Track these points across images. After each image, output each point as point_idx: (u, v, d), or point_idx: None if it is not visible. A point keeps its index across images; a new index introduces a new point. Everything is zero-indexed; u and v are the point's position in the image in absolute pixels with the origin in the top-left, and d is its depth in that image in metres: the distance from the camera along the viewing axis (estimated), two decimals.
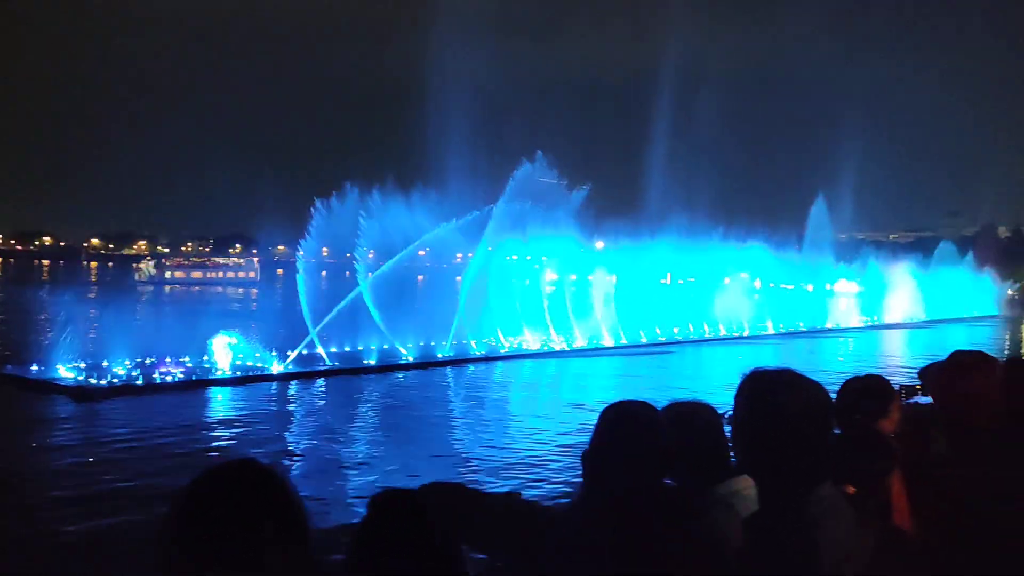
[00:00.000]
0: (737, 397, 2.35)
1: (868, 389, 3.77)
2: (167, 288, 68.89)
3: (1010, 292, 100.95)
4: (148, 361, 26.09)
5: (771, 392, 2.27)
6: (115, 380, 24.40)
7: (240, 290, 76.39)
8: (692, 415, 2.95)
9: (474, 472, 15.77)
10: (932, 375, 3.81)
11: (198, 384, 25.23)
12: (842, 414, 3.59)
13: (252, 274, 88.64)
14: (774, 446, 2.22)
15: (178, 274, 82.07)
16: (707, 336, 47.17)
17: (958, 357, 3.65)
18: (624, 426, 2.60)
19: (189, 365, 26.41)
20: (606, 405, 2.71)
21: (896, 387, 3.91)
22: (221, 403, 23.51)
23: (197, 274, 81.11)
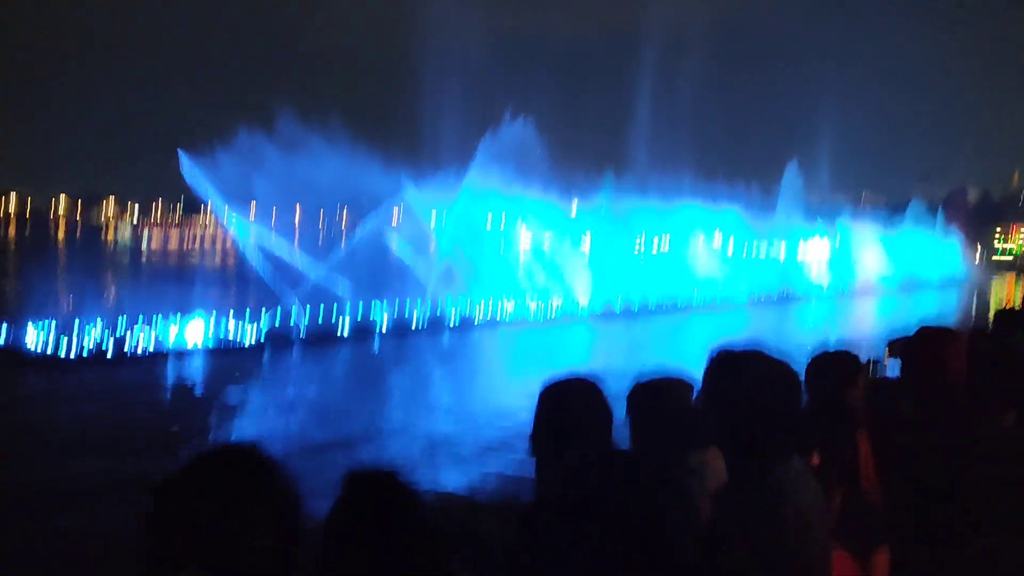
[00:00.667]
0: (706, 374, 2.39)
1: (835, 363, 3.86)
2: (143, 257, 68.48)
3: (978, 255, 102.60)
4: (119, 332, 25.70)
5: (739, 370, 2.32)
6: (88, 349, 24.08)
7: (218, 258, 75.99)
8: (663, 390, 2.99)
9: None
10: (900, 347, 3.94)
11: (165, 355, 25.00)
12: (810, 386, 3.69)
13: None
14: (742, 422, 2.27)
15: (154, 244, 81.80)
16: (677, 304, 47.42)
17: (924, 331, 3.79)
18: (562, 403, 2.65)
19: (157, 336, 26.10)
20: (545, 384, 2.74)
21: (863, 359, 4.04)
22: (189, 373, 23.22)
23: (173, 241, 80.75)
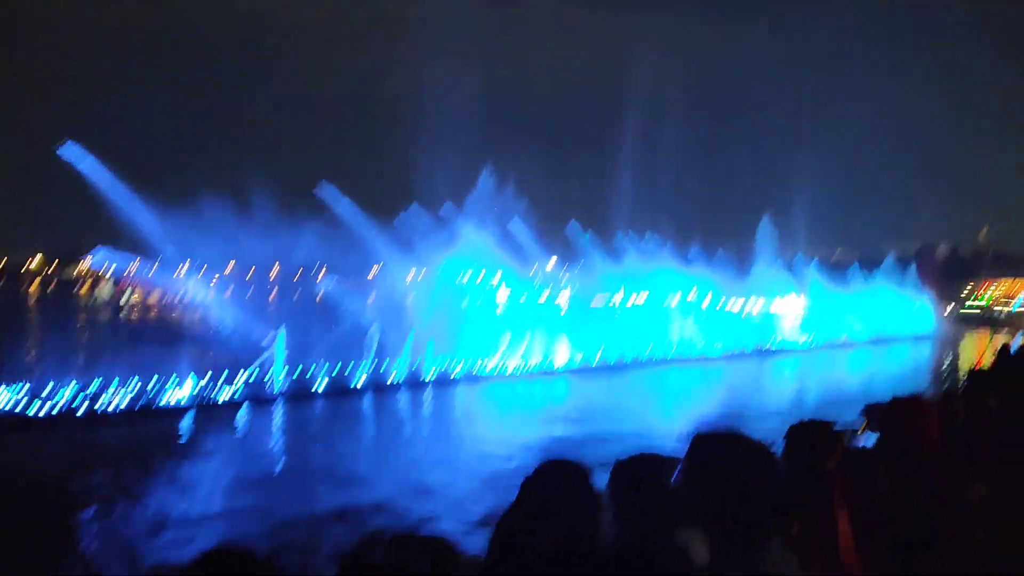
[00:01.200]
0: (686, 458, 2.44)
1: (813, 432, 3.90)
2: (123, 312, 68.21)
3: (949, 310, 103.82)
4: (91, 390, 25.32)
5: (721, 451, 2.37)
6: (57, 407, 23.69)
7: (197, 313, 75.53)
8: (644, 468, 3.02)
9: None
10: (875, 416, 4.01)
11: (138, 414, 24.63)
12: (789, 454, 3.75)
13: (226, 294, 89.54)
14: (726, 501, 2.31)
15: (135, 297, 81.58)
16: (655, 357, 47.61)
17: (898, 402, 3.84)
18: (549, 490, 2.62)
19: (135, 393, 25.76)
20: (534, 469, 2.68)
21: (840, 425, 4.07)
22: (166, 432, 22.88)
23: (153, 298, 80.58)
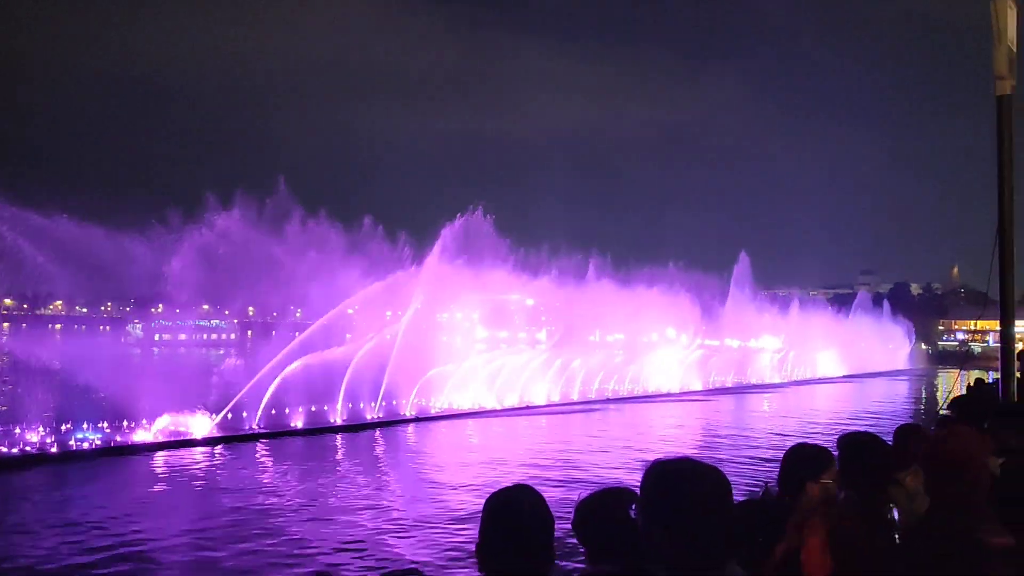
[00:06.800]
0: (642, 488, 2.47)
1: (808, 456, 4.01)
2: (155, 350, 68.68)
3: (923, 347, 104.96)
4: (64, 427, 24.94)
5: (673, 481, 2.41)
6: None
7: (220, 351, 77.11)
8: (608, 501, 3.09)
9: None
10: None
11: (119, 450, 24.29)
12: (783, 476, 3.93)
13: (233, 335, 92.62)
14: (679, 532, 2.35)
15: (165, 336, 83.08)
16: (635, 393, 47.79)
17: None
18: (506, 515, 2.76)
19: (108, 430, 25.43)
20: (491, 493, 2.84)
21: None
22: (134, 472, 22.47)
23: (183, 336, 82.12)
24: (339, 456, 26.01)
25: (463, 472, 22.59)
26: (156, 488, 20.49)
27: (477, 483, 20.24)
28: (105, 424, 25.66)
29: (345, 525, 16.21)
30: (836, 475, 3.91)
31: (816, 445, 4.12)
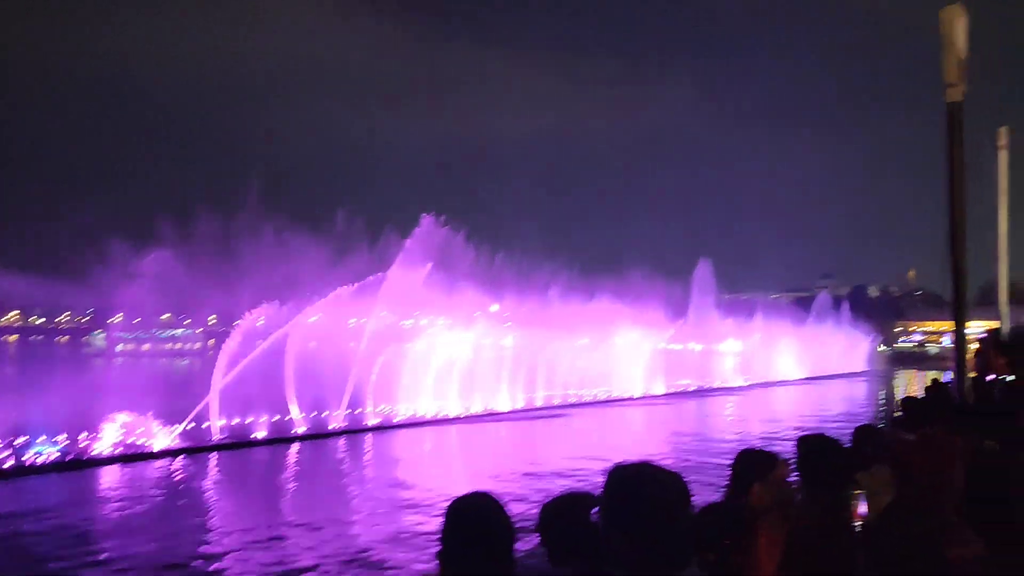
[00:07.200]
0: (603, 492, 2.49)
1: (754, 460, 4.07)
2: (117, 360, 67.45)
3: (882, 348, 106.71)
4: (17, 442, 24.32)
5: (633, 486, 2.42)
6: None
7: (185, 360, 75.80)
8: (569, 506, 3.12)
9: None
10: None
11: (74, 465, 23.77)
12: (733, 478, 3.95)
13: (197, 345, 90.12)
14: (639, 535, 2.36)
15: (128, 346, 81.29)
16: (599, 398, 47.99)
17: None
18: (468, 521, 2.80)
19: (66, 443, 24.89)
20: (453, 500, 2.87)
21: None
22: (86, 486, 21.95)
23: (146, 346, 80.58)
24: (287, 472, 25.65)
25: (425, 486, 22.38)
26: (100, 506, 19.93)
27: (429, 500, 19.93)
28: (63, 436, 25.13)
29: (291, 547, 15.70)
30: (784, 477, 3.99)
31: (763, 450, 4.22)
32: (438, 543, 2.83)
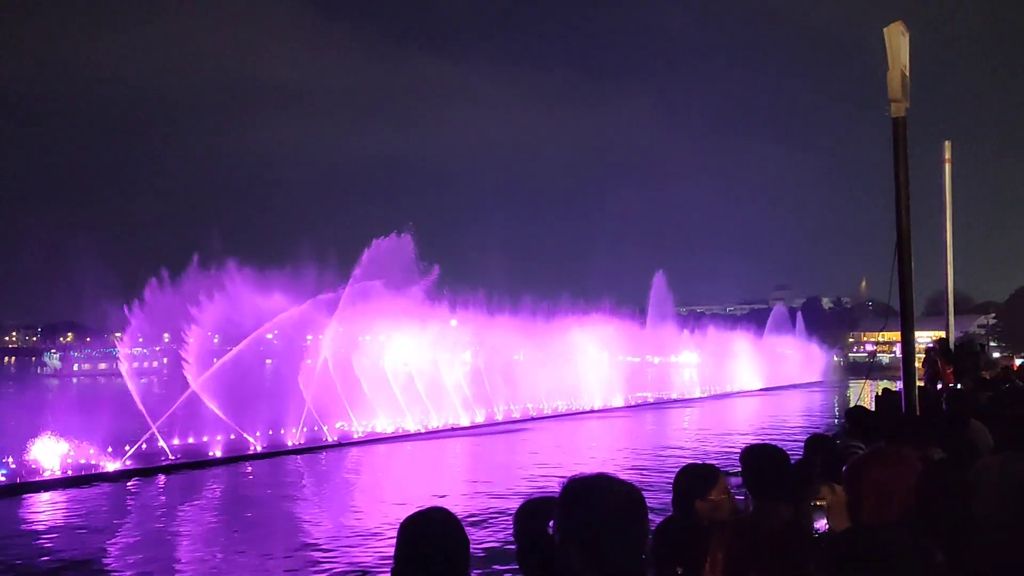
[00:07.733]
0: (558, 504, 2.46)
1: (695, 475, 4.11)
2: (74, 380, 65.43)
3: (835, 359, 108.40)
4: None
5: (588, 497, 2.41)
6: None
7: (143, 380, 74.32)
8: (541, 512, 3.08)
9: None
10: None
11: (20, 488, 23.12)
12: (675, 496, 4.04)
13: (156, 363, 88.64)
14: (593, 547, 2.35)
15: (85, 366, 79.41)
16: (559, 411, 48.06)
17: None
18: (421, 537, 2.75)
19: (12, 466, 24.24)
20: (406, 516, 2.83)
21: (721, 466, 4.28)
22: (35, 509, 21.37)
23: (103, 365, 78.76)
24: (244, 489, 25.24)
25: (382, 504, 22.19)
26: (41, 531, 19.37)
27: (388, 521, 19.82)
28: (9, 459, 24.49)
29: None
30: (725, 491, 4.01)
31: (704, 464, 4.25)
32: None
